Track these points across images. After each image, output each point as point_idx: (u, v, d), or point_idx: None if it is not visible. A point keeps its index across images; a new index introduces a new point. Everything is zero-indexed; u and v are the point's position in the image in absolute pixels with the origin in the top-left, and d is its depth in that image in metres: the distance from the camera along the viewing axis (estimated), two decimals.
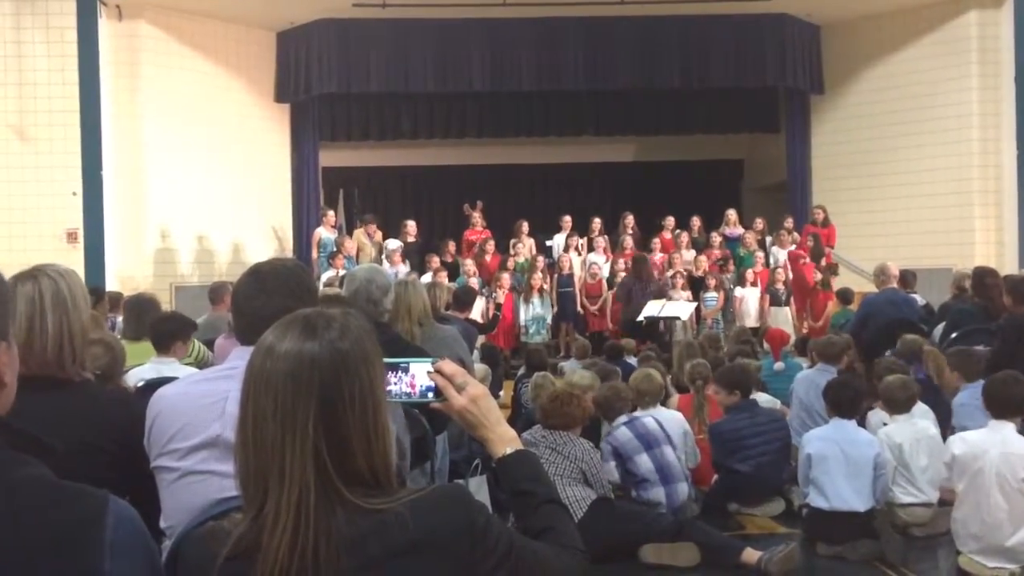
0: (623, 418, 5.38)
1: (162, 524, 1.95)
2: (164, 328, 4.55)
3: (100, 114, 11.40)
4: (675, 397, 6.50)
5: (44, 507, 1.15)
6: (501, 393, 8.76)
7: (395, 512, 1.29)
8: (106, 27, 11.75)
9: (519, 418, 7.09)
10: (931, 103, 13.23)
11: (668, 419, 5.53)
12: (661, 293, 10.88)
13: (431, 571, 1.30)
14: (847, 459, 4.81)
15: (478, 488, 4.04)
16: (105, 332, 3.53)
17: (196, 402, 1.99)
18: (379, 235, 12.60)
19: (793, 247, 12.22)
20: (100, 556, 1.15)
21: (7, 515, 1.14)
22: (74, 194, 11.20)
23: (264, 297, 2.02)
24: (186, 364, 4.60)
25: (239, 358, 1.97)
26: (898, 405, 5.25)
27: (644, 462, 5.20)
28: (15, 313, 2.07)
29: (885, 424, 5.34)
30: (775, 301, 11.38)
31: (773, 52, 13.69)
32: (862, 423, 5.62)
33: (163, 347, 4.47)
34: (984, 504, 4.25)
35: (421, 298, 4.68)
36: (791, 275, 11.77)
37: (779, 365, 7.64)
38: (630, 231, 12.66)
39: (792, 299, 11.58)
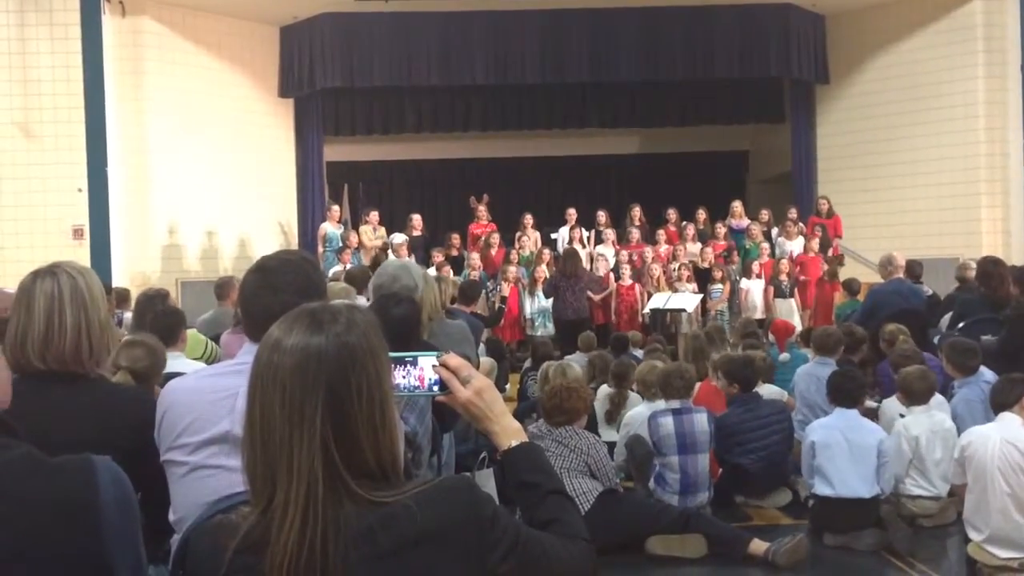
0: (676, 404, 5.30)
1: (171, 517, 1.97)
2: (166, 322, 4.55)
3: (104, 110, 11.42)
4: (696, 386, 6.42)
5: (37, 482, 1.21)
6: (507, 386, 8.78)
7: (402, 504, 1.29)
8: (109, 23, 11.76)
9: (522, 404, 7.13)
10: (937, 92, 13.18)
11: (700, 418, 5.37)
12: (592, 289, 10.80)
13: (439, 562, 1.30)
14: (851, 446, 4.83)
15: (485, 481, 4.04)
16: (147, 335, 3.59)
17: (206, 397, 2.00)
18: (383, 229, 12.57)
19: (801, 238, 12.17)
20: (96, 514, 1.25)
21: (3, 493, 1.18)
22: (80, 191, 11.22)
23: (271, 293, 2.03)
24: (195, 360, 4.60)
25: (249, 353, 1.98)
26: (916, 396, 5.22)
27: (672, 465, 5.16)
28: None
29: (902, 416, 5.32)
30: (779, 293, 11.36)
31: (778, 42, 13.66)
32: (874, 414, 5.62)
33: (165, 341, 4.46)
34: (989, 489, 4.27)
35: (432, 292, 4.69)
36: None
37: (784, 356, 7.65)
38: (637, 223, 12.64)
39: (796, 290, 11.55)
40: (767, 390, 6.20)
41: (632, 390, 6.49)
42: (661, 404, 5.48)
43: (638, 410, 5.90)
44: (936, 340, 6.67)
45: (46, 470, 1.25)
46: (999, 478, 4.24)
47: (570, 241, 12.34)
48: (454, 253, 11.97)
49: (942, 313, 7.56)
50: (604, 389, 6.61)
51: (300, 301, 1.91)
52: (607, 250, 12.13)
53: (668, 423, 5.20)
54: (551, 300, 11.26)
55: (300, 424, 1.28)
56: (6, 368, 1.41)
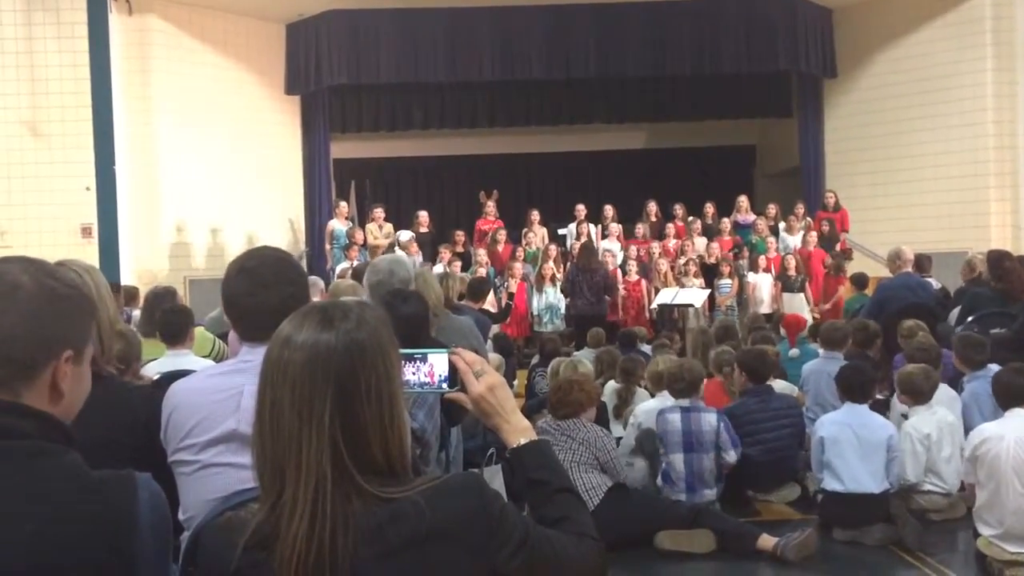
0: (684, 402, 5.30)
1: (180, 516, 1.97)
2: (173, 320, 4.55)
3: (112, 109, 11.42)
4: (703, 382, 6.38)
5: (79, 493, 1.20)
6: (515, 382, 8.77)
7: (411, 501, 1.29)
8: (116, 22, 11.78)
9: (531, 401, 7.14)
10: (945, 85, 13.11)
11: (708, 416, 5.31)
12: (607, 284, 10.75)
13: (447, 559, 1.30)
14: (860, 442, 4.82)
15: (492, 477, 4.04)
16: (120, 323, 3.57)
17: (211, 396, 2.00)
18: (389, 226, 12.57)
19: (803, 233, 12.14)
20: (132, 534, 1.22)
21: (44, 502, 1.18)
22: (88, 189, 11.24)
23: (264, 290, 2.03)
24: (203, 358, 4.60)
25: (250, 352, 1.99)
26: (920, 395, 5.21)
27: (678, 462, 5.16)
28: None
29: (905, 416, 5.29)
30: (787, 287, 11.34)
31: (785, 36, 13.62)
32: (884, 410, 5.59)
33: (174, 339, 4.46)
34: (1003, 489, 4.25)
35: (434, 289, 4.70)
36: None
37: (794, 351, 7.62)
38: (653, 218, 12.64)
39: (807, 285, 11.52)
40: (778, 385, 6.18)
41: (640, 385, 6.49)
42: (671, 400, 5.48)
43: (646, 405, 5.89)
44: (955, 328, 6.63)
45: (89, 482, 1.24)
46: (1015, 479, 4.21)
47: (578, 237, 12.33)
48: (459, 249, 11.97)
49: (952, 307, 7.53)
50: (611, 385, 6.61)
51: (291, 289, 2.00)
52: (613, 245, 12.11)
53: (676, 419, 5.20)
54: (559, 296, 11.25)
55: (309, 420, 1.28)
56: (88, 388, 1.39)
